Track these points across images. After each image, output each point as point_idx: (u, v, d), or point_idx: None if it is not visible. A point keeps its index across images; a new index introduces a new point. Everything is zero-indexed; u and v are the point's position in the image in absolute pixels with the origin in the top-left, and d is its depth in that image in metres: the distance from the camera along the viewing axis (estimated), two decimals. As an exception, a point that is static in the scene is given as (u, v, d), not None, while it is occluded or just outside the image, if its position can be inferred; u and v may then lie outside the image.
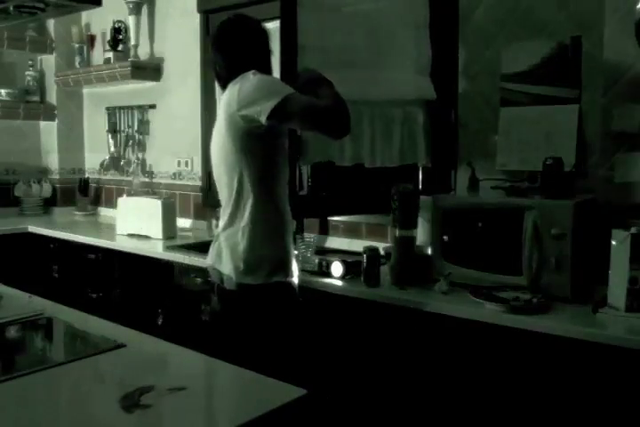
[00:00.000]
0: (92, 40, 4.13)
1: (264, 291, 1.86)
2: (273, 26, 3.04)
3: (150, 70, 3.64)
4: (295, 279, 1.93)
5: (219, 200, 2.01)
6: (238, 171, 1.85)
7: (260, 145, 1.84)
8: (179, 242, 3.02)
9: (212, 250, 1.99)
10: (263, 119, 1.73)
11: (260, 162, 1.84)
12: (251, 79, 1.80)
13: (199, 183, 3.47)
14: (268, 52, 1.98)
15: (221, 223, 1.96)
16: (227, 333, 1.96)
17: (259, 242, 1.86)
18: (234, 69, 1.88)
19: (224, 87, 1.94)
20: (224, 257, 1.91)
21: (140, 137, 3.83)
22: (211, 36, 1.98)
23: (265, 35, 1.98)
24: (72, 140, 4.24)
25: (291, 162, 2.03)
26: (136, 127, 3.84)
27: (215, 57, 1.97)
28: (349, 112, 1.78)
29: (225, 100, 1.86)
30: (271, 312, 1.87)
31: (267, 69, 1.96)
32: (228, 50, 1.93)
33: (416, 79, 2.45)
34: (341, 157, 2.26)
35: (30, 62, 4.10)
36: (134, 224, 3.22)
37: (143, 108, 3.79)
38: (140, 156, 3.83)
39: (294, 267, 1.93)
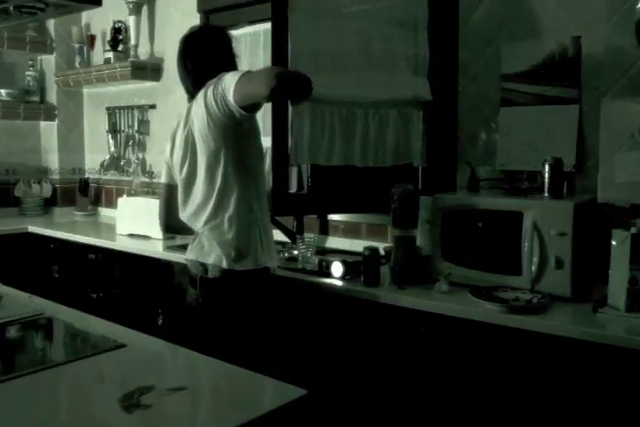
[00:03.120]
0: (92, 40, 4.13)
1: (253, 276, 1.95)
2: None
3: (150, 70, 3.64)
4: (275, 265, 2.07)
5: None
6: (222, 166, 1.91)
7: (241, 140, 1.92)
8: (179, 242, 3.02)
9: (194, 245, 2.04)
10: (230, 96, 1.77)
11: (241, 156, 1.93)
12: (221, 77, 1.84)
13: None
14: (232, 57, 2.06)
15: (202, 219, 1.99)
16: (217, 320, 1.98)
17: (245, 229, 1.95)
18: (202, 76, 1.95)
19: (192, 96, 2.00)
20: (208, 249, 1.97)
21: (140, 137, 3.83)
22: (178, 50, 2.06)
23: (229, 40, 2.07)
24: (72, 140, 4.24)
25: (278, 161, 2.16)
26: (136, 127, 3.84)
27: (184, 68, 2.04)
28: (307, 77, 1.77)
29: (202, 102, 1.89)
30: (260, 296, 1.98)
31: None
32: (196, 58, 2.02)
33: (412, 80, 2.46)
34: (333, 157, 2.32)
35: (30, 62, 4.10)
36: (134, 224, 3.22)
37: (143, 108, 3.79)
38: (140, 156, 3.83)
39: (275, 253, 2.07)
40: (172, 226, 2.18)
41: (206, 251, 1.97)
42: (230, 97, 1.77)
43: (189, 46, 2.05)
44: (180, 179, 2.05)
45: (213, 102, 1.83)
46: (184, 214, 2.05)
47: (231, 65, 2.01)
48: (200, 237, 2.01)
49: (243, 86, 1.75)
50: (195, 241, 2.04)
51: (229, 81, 1.78)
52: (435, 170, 2.51)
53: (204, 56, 2.02)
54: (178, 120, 2.07)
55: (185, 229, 2.11)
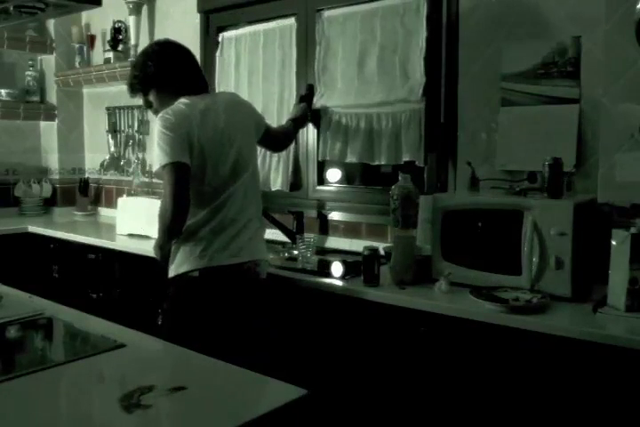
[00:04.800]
0: (92, 40, 4.13)
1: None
2: (273, 26, 3.07)
3: (150, 70, 3.63)
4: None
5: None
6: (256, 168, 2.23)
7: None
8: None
9: (253, 240, 2.12)
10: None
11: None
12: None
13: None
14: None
15: (248, 214, 2.10)
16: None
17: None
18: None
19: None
20: (262, 246, 2.19)
21: (140, 137, 3.83)
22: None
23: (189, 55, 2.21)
24: (72, 140, 4.24)
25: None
26: (136, 127, 3.84)
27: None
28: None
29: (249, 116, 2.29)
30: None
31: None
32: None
33: (412, 80, 2.47)
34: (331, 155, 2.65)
35: (30, 62, 4.10)
36: (134, 224, 3.21)
37: (143, 108, 3.78)
38: (139, 156, 3.83)
39: None
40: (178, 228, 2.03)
41: (262, 249, 2.17)
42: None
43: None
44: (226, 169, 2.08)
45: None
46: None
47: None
48: (250, 229, 2.11)
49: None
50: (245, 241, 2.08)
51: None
52: (429, 170, 2.52)
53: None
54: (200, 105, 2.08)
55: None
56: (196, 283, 2.02)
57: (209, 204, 2.03)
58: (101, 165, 4.01)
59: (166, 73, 2.12)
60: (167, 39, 2.25)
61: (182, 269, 2.03)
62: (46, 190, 4.14)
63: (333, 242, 2.84)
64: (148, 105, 2.20)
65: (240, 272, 2.05)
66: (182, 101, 2.05)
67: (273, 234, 2.83)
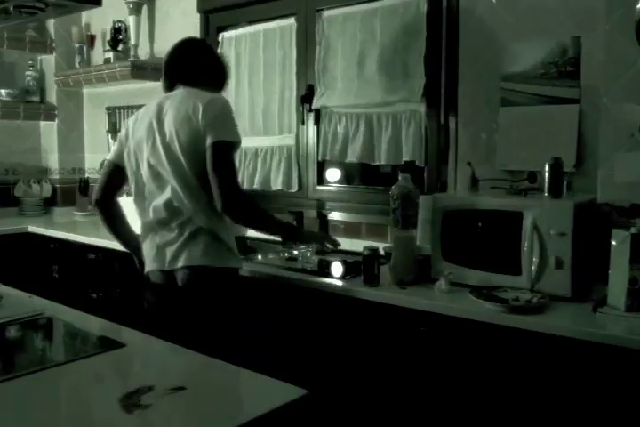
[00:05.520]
0: (92, 40, 4.13)
1: None
2: (273, 26, 3.07)
3: (150, 70, 3.63)
4: None
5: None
6: None
7: None
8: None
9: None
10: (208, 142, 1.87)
11: None
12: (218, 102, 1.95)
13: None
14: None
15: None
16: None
17: None
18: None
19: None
20: None
21: (140, 137, 3.82)
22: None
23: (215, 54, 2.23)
24: (72, 140, 4.24)
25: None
26: (136, 127, 3.84)
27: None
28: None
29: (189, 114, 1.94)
30: None
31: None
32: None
33: (411, 81, 2.47)
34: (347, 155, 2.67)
35: (30, 62, 4.10)
36: (134, 224, 3.21)
37: (143, 109, 3.79)
38: (139, 156, 3.82)
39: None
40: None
41: None
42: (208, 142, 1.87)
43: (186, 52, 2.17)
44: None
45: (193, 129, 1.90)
46: None
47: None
48: None
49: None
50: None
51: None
52: (435, 170, 2.52)
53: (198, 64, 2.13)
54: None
55: None
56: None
57: None
58: (101, 165, 4.00)
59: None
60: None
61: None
62: (46, 190, 4.14)
63: (333, 242, 2.83)
64: None
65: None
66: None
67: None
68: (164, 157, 1.95)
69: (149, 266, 2.07)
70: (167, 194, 1.97)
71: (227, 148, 1.88)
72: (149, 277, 2.09)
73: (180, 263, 1.95)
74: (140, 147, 2.03)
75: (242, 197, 1.90)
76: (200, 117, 1.88)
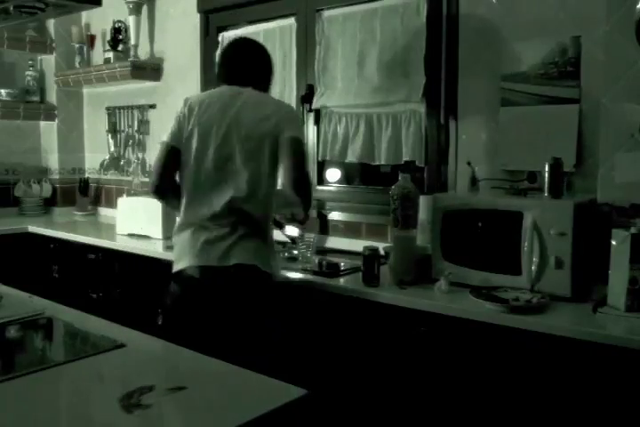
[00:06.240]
0: (92, 40, 4.13)
1: None
2: (273, 26, 3.07)
3: (150, 70, 3.64)
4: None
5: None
6: None
7: None
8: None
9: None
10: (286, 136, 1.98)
11: None
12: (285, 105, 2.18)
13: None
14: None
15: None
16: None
17: None
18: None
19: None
20: None
21: (140, 137, 3.83)
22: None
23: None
24: (72, 140, 4.24)
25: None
26: (136, 127, 3.84)
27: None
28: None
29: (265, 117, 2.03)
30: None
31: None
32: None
33: (411, 81, 2.47)
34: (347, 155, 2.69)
35: (30, 62, 4.10)
36: (134, 224, 3.22)
37: (143, 108, 3.79)
38: (139, 156, 3.83)
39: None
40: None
41: None
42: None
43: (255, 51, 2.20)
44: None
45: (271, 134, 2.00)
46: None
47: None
48: None
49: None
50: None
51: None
52: (435, 170, 2.52)
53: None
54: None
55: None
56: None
57: None
58: (101, 165, 4.01)
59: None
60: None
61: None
62: (46, 190, 4.14)
63: (333, 242, 2.84)
64: None
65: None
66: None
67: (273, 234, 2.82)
68: (237, 152, 1.98)
69: (189, 261, 1.99)
70: (230, 189, 1.97)
71: (301, 142, 2.04)
72: (183, 272, 2.02)
73: (234, 260, 1.94)
74: (209, 132, 2.01)
75: (309, 177, 2.11)
76: (278, 119, 2.00)
